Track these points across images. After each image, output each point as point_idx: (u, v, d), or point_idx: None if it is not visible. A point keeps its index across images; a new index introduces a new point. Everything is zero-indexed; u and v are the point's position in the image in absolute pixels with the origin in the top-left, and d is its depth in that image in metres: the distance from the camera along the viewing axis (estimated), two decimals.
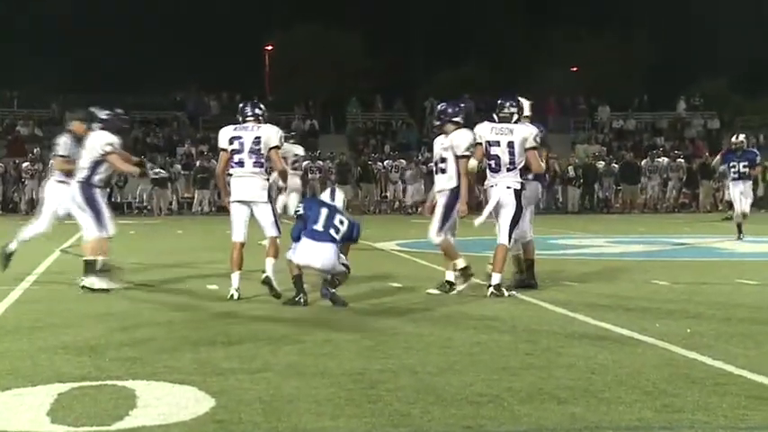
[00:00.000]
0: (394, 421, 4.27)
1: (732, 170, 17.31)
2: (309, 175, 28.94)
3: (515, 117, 9.08)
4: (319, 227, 8.19)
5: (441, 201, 9.24)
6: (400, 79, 46.36)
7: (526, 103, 9.40)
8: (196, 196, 31.08)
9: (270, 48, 47.50)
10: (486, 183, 9.12)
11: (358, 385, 4.96)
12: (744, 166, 17.18)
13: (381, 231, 18.60)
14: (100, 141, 9.43)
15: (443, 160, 9.23)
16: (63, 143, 10.05)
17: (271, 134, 8.78)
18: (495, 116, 9.17)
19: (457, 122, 9.28)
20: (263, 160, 8.71)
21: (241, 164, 8.71)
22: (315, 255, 8.13)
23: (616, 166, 33.15)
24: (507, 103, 9.13)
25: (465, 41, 49.44)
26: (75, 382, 5.06)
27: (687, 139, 40.20)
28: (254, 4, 49.26)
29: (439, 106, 9.77)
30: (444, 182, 9.22)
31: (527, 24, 49.97)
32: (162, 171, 30.68)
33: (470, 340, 6.38)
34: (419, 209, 24.76)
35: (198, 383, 4.99)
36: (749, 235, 16.89)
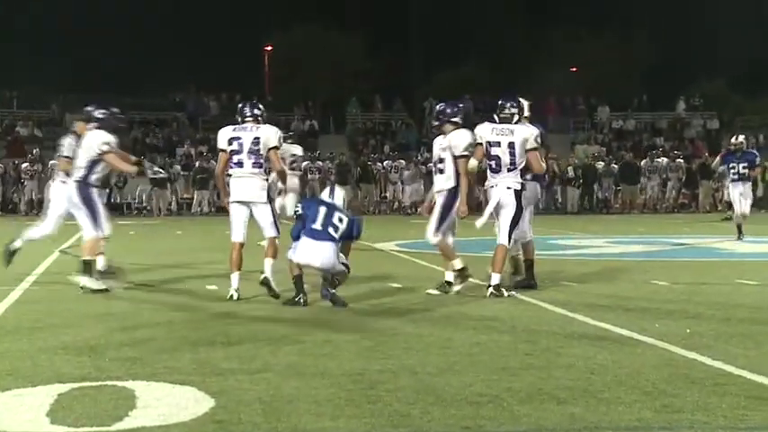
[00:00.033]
0: (394, 422, 4.27)
1: (732, 171, 17.31)
2: (309, 176, 28.95)
3: (516, 118, 9.08)
4: (318, 225, 8.20)
5: (439, 201, 9.25)
6: (400, 79, 46.42)
7: (525, 104, 9.40)
8: (195, 197, 31.06)
9: (269, 48, 47.48)
10: (486, 183, 9.13)
11: (358, 386, 4.96)
12: (743, 168, 17.18)
13: (381, 232, 18.60)
14: (96, 141, 9.38)
15: (442, 161, 9.23)
16: (67, 144, 10.03)
17: (270, 135, 8.78)
18: (495, 117, 9.17)
19: (455, 123, 9.28)
20: (262, 161, 8.71)
21: (240, 164, 8.71)
22: (314, 254, 8.13)
23: (615, 166, 33.12)
24: (508, 104, 9.13)
25: (465, 41, 49.44)
26: (75, 382, 5.06)
27: (687, 139, 40.19)
28: (254, 5, 49.28)
29: (437, 106, 9.76)
30: (443, 182, 9.22)
31: (527, 24, 50.01)
32: (161, 171, 30.53)
33: (470, 341, 6.38)
34: (418, 209, 24.74)
35: (197, 384, 4.99)
36: (749, 235, 16.89)
